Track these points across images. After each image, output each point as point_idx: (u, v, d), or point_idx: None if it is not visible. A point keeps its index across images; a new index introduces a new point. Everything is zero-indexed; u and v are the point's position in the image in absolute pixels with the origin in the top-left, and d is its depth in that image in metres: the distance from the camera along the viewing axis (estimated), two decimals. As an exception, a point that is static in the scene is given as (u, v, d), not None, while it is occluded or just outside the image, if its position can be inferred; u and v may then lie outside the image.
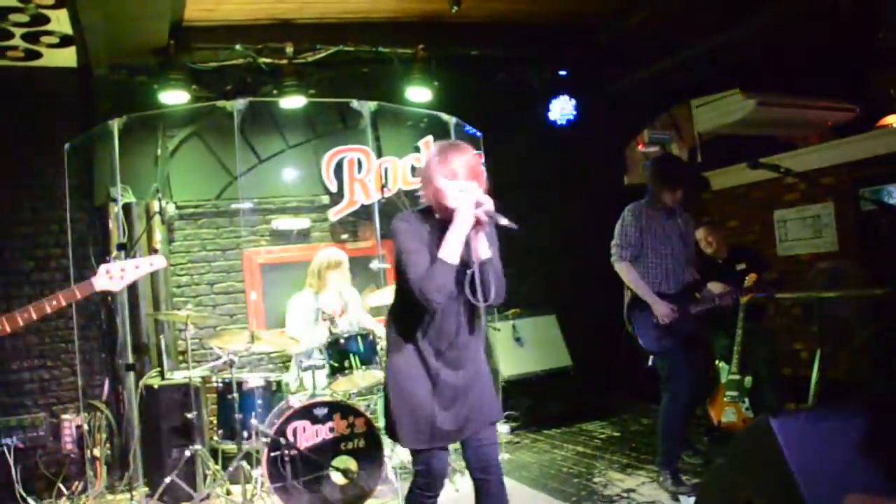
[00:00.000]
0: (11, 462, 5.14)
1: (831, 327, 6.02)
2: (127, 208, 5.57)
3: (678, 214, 4.55)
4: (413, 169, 6.06)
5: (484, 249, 2.91)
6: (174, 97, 5.58)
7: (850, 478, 2.46)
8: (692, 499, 4.08)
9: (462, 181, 2.85)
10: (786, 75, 6.86)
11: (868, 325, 6.13)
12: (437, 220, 2.93)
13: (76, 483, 5.32)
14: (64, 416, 5.40)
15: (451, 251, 2.79)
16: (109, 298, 5.52)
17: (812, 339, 6.43)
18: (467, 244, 2.83)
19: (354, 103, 5.62)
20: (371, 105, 5.63)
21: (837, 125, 7.30)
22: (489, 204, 2.82)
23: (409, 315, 2.96)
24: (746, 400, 5.24)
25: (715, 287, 5.04)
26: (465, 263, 2.86)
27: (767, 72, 6.90)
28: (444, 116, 5.79)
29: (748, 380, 5.26)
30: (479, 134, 5.93)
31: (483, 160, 6.16)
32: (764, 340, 5.54)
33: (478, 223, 2.83)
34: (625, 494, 4.56)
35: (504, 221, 2.81)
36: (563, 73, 7.02)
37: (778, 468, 2.66)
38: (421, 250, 2.85)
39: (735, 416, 5.25)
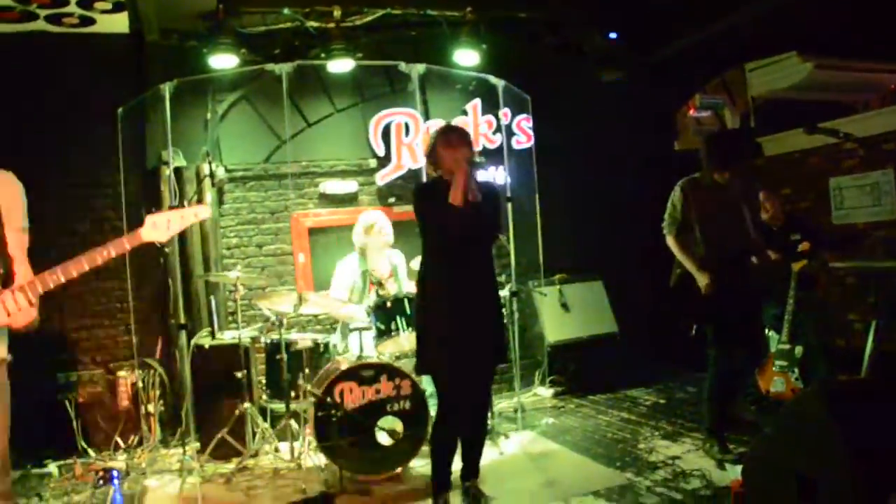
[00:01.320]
0: (73, 415, 5.36)
1: (887, 298, 5.87)
2: (178, 171, 5.66)
3: (736, 185, 4.46)
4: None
5: (471, 192, 3.70)
6: (223, 61, 5.62)
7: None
8: (739, 467, 4.04)
9: (455, 149, 3.73)
10: (845, 37, 6.60)
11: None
12: (445, 183, 3.74)
13: (132, 437, 5.52)
14: (120, 374, 5.58)
15: (455, 196, 3.62)
16: (162, 260, 5.65)
17: (867, 309, 6.28)
18: (470, 190, 3.67)
19: (402, 66, 5.59)
20: (419, 68, 5.60)
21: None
22: (472, 157, 3.73)
23: (433, 266, 3.81)
24: (796, 370, 5.16)
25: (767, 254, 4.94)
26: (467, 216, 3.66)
27: (826, 33, 6.64)
28: (493, 79, 5.72)
29: (798, 349, 5.18)
30: (527, 97, 5.86)
31: (531, 123, 6.11)
32: (816, 310, 5.44)
33: (469, 174, 3.67)
34: (669, 461, 4.54)
35: (478, 160, 3.90)
36: (613, 35, 6.86)
37: (830, 440, 2.61)
38: (433, 204, 3.73)
39: (784, 386, 5.18)
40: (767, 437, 3.23)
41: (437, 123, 6.14)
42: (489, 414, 3.94)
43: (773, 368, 5.25)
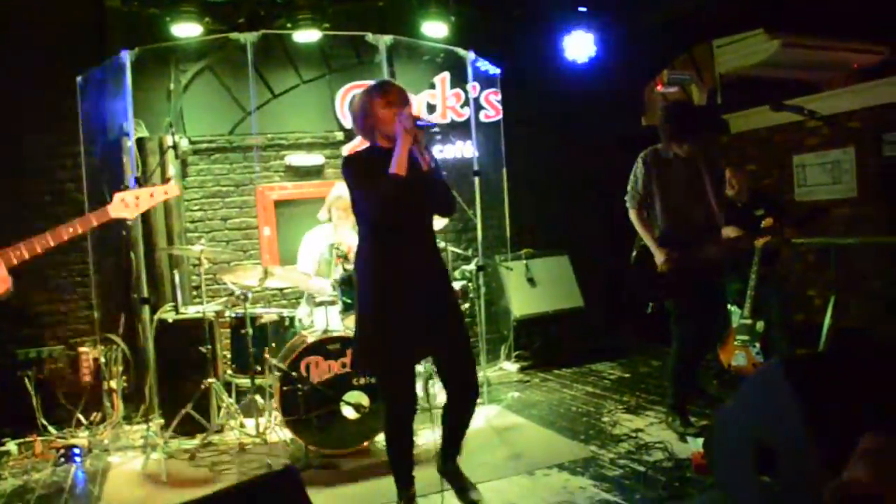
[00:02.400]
0: (33, 392, 5.26)
1: (846, 274, 6.00)
2: (140, 143, 5.55)
3: (700, 158, 4.46)
4: (429, 106, 5.97)
5: (429, 159, 3.24)
6: (186, 30, 5.48)
7: (862, 418, 2.46)
8: (700, 440, 4.12)
9: (397, 108, 3.20)
10: (811, 16, 6.65)
11: (883, 272, 6.10)
12: (382, 151, 3.24)
13: (94, 414, 5.44)
14: (81, 349, 5.49)
15: (397, 164, 3.11)
16: (124, 233, 5.54)
17: (826, 285, 6.41)
18: (415, 159, 3.15)
19: (370, 37, 5.51)
20: (386, 39, 5.52)
21: (863, 68, 7.11)
22: (419, 114, 3.17)
23: (379, 249, 3.29)
24: (757, 345, 5.25)
25: (730, 231, 4.99)
26: (414, 181, 3.16)
27: (792, 12, 6.69)
28: (461, 51, 5.67)
29: (760, 324, 5.26)
30: (496, 70, 5.82)
31: (499, 97, 6.08)
32: (777, 285, 5.52)
33: (416, 139, 3.13)
34: (633, 434, 4.61)
35: (431, 120, 3.51)
36: (582, 8, 6.83)
37: (788, 410, 2.67)
38: (371, 179, 3.16)
39: (745, 360, 5.27)
40: (728, 410, 3.28)
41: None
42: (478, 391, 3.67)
43: (735, 343, 5.34)
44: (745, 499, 3.00)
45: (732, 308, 5.47)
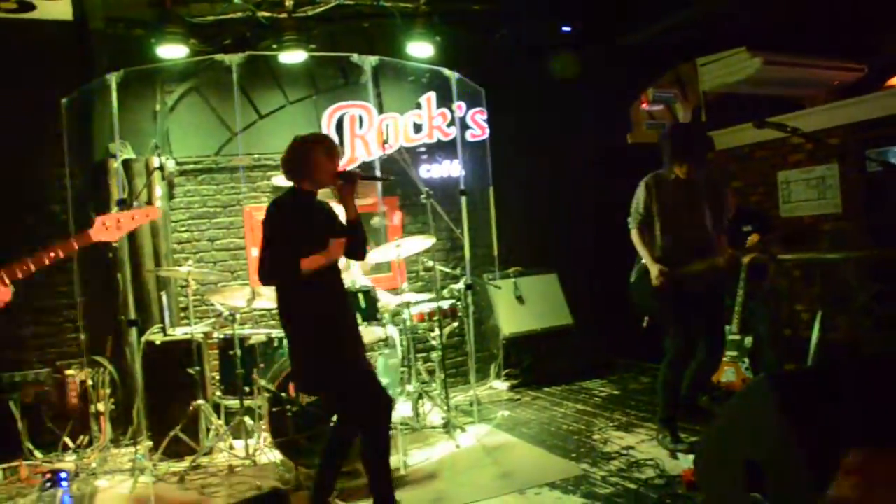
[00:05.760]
0: (18, 416, 5.20)
1: (832, 289, 6.04)
2: (127, 164, 5.53)
3: (698, 180, 4.51)
4: (415, 126, 5.98)
5: (354, 210, 3.59)
6: (172, 51, 5.49)
7: (848, 433, 2.47)
8: (691, 456, 4.12)
9: (336, 161, 3.59)
10: (793, 34, 6.75)
11: (869, 286, 6.14)
12: (307, 197, 3.58)
13: (81, 437, 5.38)
14: (68, 372, 5.44)
15: (351, 212, 3.58)
16: (111, 255, 5.51)
17: (813, 300, 6.45)
18: (347, 206, 3.57)
19: (355, 58, 5.54)
20: (372, 60, 5.56)
21: (844, 85, 7.21)
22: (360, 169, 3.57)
23: (312, 294, 3.47)
24: (746, 360, 5.27)
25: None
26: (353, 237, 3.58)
27: (774, 30, 6.79)
28: (446, 72, 5.70)
29: (748, 340, 5.28)
30: (480, 90, 5.86)
31: (485, 116, 6.11)
32: (765, 301, 5.55)
33: (349, 190, 3.55)
34: (624, 451, 4.60)
35: (378, 174, 3.95)
36: (566, 29, 6.90)
37: (776, 426, 2.68)
38: (283, 244, 3.40)
39: (735, 375, 5.29)
40: (717, 427, 3.29)
41: (391, 116, 6.11)
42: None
43: (724, 359, 5.35)
44: (735, 515, 3.00)
45: (720, 324, 5.49)
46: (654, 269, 4.43)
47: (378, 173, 3.49)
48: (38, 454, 5.18)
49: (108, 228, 2.82)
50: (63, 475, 4.69)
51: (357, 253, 3.68)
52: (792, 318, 6.79)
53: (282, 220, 3.46)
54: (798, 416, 2.64)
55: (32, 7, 5.16)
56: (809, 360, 5.27)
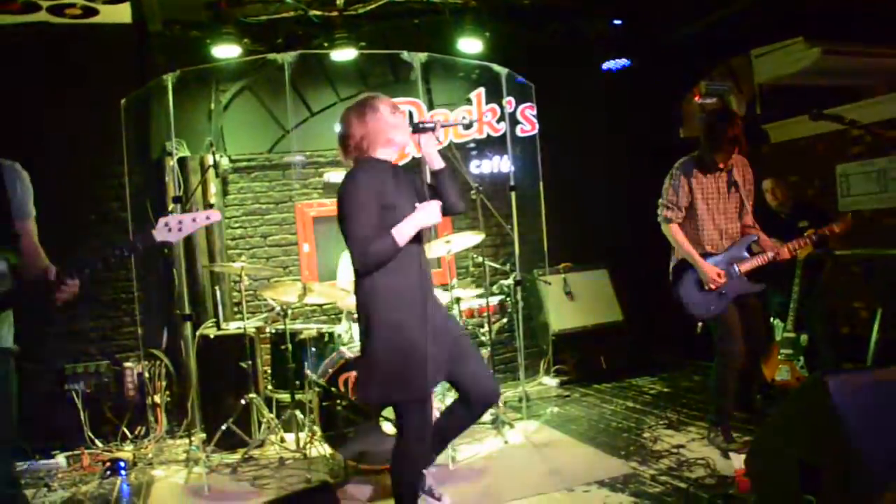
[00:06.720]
0: (80, 406, 5.39)
1: (893, 285, 5.84)
2: (182, 162, 5.66)
3: (738, 168, 4.40)
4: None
5: (438, 161, 3.33)
6: (226, 51, 5.62)
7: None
8: (743, 456, 4.04)
9: (399, 117, 3.32)
10: (852, 22, 6.54)
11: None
12: (385, 165, 3.28)
13: (138, 428, 5.55)
14: (126, 365, 5.61)
15: (404, 235, 3.11)
16: (167, 251, 5.66)
17: (873, 297, 6.25)
18: (430, 158, 3.30)
19: (405, 55, 5.56)
20: (422, 56, 5.57)
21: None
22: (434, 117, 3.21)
23: (398, 268, 3.13)
24: (801, 358, 5.15)
25: (772, 243, 4.90)
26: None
27: (833, 19, 6.58)
28: (496, 67, 5.69)
29: (804, 338, 5.16)
30: (530, 85, 5.83)
31: (535, 112, 6.08)
32: (821, 298, 5.41)
33: (428, 141, 3.28)
34: (674, 450, 4.54)
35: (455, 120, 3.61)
36: (617, 22, 6.81)
37: (833, 428, 2.61)
38: (371, 209, 3.09)
39: (789, 374, 5.18)
40: (771, 426, 3.23)
41: (441, 112, 6.13)
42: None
43: (779, 357, 5.24)
44: (789, 518, 2.94)
45: (775, 322, 5.38)
46: (709, 273, 4.23)
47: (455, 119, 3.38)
48: (98, 443, 5.37)
49: (170, 230, 2.91)
50: (122, 464, 4.86)
51: (455, 206, 3.39)
52: (851, 316, 6.60)
53: (365, 188, 3.14)
54: (857, 418, 2.57)
55: (95, 12, 5.32)
56: (869, 359, 5.12)
